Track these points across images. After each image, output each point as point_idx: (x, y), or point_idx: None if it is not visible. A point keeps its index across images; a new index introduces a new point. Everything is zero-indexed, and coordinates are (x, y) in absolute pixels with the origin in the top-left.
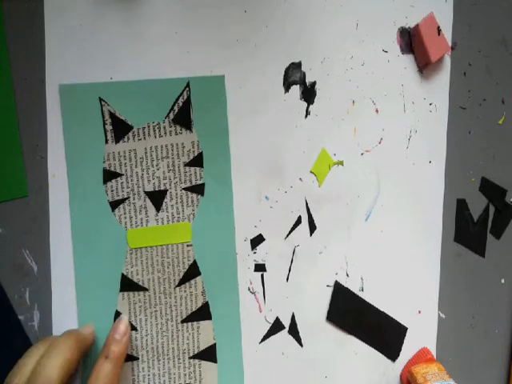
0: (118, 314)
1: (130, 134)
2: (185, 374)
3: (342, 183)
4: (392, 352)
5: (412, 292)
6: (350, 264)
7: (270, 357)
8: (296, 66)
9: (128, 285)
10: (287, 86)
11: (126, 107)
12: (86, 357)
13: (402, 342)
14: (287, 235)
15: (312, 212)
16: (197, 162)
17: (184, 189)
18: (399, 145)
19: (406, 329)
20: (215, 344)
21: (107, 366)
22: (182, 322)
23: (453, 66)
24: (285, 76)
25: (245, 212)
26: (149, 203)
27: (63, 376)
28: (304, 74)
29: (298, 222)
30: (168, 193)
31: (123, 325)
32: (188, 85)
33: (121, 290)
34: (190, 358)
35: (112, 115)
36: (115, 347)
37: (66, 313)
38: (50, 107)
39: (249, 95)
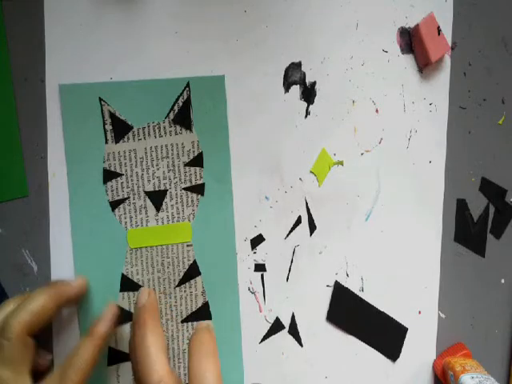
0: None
1: (130, 133)
2: (185, 374)
3: (342, 183)
4: (392, 352)
5: (412, 292)
6: (350, 264)
7: (269, 357)
8: (296, 66)
9: (128, 285)
10: (287, 86)
11: (126, 107)
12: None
13: (402, 342)
14: (287, 235)
15: (312, 212)
16: (197, 161)
17: (184, 189)
18: (399, 145)
19: (406, 329)
20: None
21: (86, 344)
22: (182, 321)
23: (453, 66)
24: (285, 76)
25: (245, 212)
26: (149, 203)
27: (32, 322)
28: (304, 74)
29: (298, 221)
30: (168, 193)
31: (110, 312)
32: (188, 85)
33: (121, 290)
34: None
35: (112, 115)
36: (97, 327)
37: (65, 313)
38: (50, 107)
39: (249, 95)
